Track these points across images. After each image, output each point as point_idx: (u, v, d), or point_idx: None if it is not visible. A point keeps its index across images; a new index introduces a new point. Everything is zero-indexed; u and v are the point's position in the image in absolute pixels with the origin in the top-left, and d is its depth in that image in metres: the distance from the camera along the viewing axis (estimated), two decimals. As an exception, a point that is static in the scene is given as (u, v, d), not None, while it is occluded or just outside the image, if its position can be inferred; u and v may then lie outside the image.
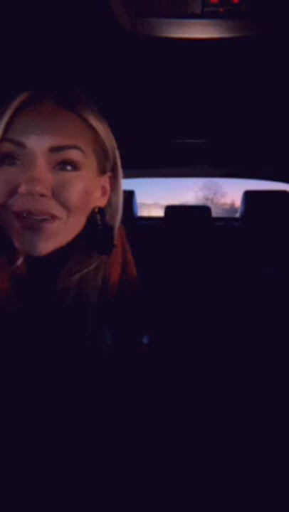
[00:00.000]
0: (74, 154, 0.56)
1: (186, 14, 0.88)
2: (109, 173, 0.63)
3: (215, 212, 2.45)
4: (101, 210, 0.62)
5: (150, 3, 0.86)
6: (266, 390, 1.67)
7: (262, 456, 1.40)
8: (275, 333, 1.87)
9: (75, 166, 0.56)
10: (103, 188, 0.63)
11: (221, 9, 0.85)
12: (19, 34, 0.96)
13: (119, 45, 1.02)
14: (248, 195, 2.32)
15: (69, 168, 0.56)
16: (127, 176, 0.69)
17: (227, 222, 2.60)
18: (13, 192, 0.54)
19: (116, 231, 0.63)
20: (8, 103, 0.55)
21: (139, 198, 2.54)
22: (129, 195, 2.33)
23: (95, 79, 1.16)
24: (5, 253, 0.58)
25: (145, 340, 0.62)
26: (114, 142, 0.62)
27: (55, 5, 0.86)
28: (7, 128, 0.54)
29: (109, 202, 0.64)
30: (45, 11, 0.87)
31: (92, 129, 0.59)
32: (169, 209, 2.37)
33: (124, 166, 0.66)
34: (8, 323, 0.57)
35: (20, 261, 0.58)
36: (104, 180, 0.63)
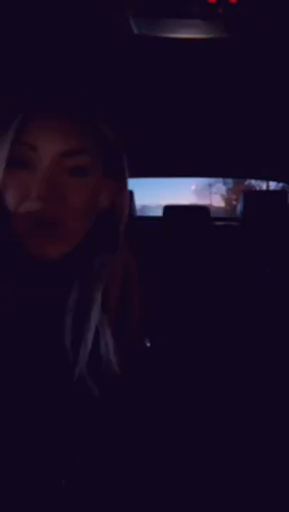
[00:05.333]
0: (84, 159, 0.56)
1: (184, 14, 0.88)
2: (115, 175, 0.63)
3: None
4: (106, 212, 0.62)
5: (150, 4, 0.86)
6: (266, 389, 1.67)
7: (262, 455, 1.40)
8: (275, 333, 1.87)
9: (84, 171, 0.56)
10: (109, 189, 0.63)
11: (220, 10, 0.85)
12: (20, 36, 0.96)
13: (119, 46, 1.02)
14: (247, 195, 2.32)
15: (79, 173, 0.56)
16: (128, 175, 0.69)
17: (226, 221, 2.60)
18: (23, 196, 0.54)
19: (122, 231, 0.64)
20: (20, 108, 0.55)
21: (141, 199, 2.54)
22: (128, 196, 2.33)
23: (94, 79, 1.16)
24: (13, 257, 0.58)
25: (146, 342, 0.62)
26: (121, 144, 0.63)
27: (56, 6, 0.86)
28: (19, 132, 0.54)
29: (114, 203, 0.64)
30: (45, 12, 0.87)
31: (101, 132, 0.59)
32: (168, 209, 2.37)
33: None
34: (11, 326, 0.57)
35: (26, 264, 0.59)
36: (111, 183, 0.63)
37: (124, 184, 0.64)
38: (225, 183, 12.08)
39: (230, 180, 11.58)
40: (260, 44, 1.01)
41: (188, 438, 1.46)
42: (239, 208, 2.41)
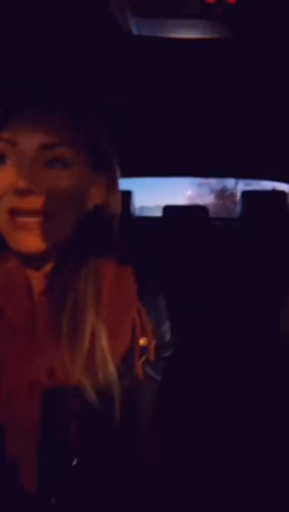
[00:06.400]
0: (65, 152, 0.56)
1: (183, 14, 0.88)
2: (105, 171, 0.63)
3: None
4: (98, 208, 0.62)
5: (148, 4, 0.86)
6: (265, 389, 1.67)
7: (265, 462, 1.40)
8: (275, 332, 1.87)
9: (65, 163, 0.56)
10: (99, 186, 0.62)
11: (218, 10, 0.85)
12: (18, 35, 0.96)
13: (117, 45, 1.02)
14: (246, 195, 2.32)
15: (60, 165, 0.56)
16: (127, 175, 0.69)
17: (225, 222, 2.60)
18: (4, 191, 0.54)
19: (114, 229, 0.63)
20: (1, 103, 0.55)
21: (141, 201, 2.55)
22: (127, 195, 2.33)
23: (93, 78, 1.16)
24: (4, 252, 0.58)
25: (144, 341, 0.62)
26: (109, 140, 0.62)
27: (55, 6, 0.85)
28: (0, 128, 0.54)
29: (106, 200, 0.64)
30: (44, 12, 0.87)
31: (87, 128, 0.59)
32: (167, 209, 2.37)
33: (124, 166, 0.66)
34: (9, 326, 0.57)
35: (14, 260, 0.58)
36: (101, 179, 0.62)
37: (115, 181, 0.64)
38: (211, 193, 16.08)
39: (217, 192, 15.77)
40: (260, 44, 1.01)
41: (189, 440, 1.46)
42: (238, 207, 2.40)
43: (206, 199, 15.63)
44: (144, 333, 0.62)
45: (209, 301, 2.02)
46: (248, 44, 1.00)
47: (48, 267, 0.60)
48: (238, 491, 1.32)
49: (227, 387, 1.69)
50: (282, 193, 2.29)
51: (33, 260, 0.59)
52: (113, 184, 0.64)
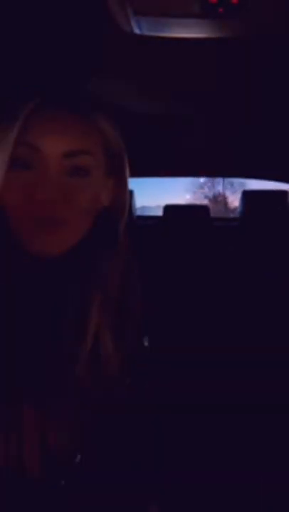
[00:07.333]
0: (86, 159, 0.57)
1: (184, 14, 0.88)
2: (116, 174, 0.64)
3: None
4: (107, 209, 0.63)
5: (148, 3, 0.86)
6: (265, 388, 1.67)
7: (262, 459, 1.40)
8: (274, 333, 1.87)
9: (86, 171, 0.57)
10: (110, 188, 0.64)
11: (220, 9, 0.85)
12: (19, 35, 0.96)
13: (117, 45, 1.02)
14: (247, 195, 2.32)
15: (80, 173, 0.57)
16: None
17: (225, 221, 2.60)
18: (26, 196, 0.55)
19: (120, 230, 0.64)
20: (21, 107, 0.55)
21: (142, 201, 2.56)
22: (128, 195, 2.33)
23: (94, 78, 1.16)
24: (11, 256, 0.58)
25: (145, 341, 0.62)
26: (122, 144, 0.63)
27: (53, 5, 0.85)
28: (21, 133, 0.54)
29: (115, 201, 0.65)
30: (42, 12, 0.87)
31: (103, 132, 0.60)
32: (168, 208, 2.37)
33: None
34: (10, 324, 0.57)
35: (23, 263, 0.59)
36: (112, 181, 0.63)
37: (125, 183, 0.65)
38: (205, 198, 17.38)
39: (210, 198, 17.36)
40: (261, 44, 1.01)
41: (188, 440, 1.46)
42: (238, 208, 2.41)
43: (202, 203, 16.82)
44: (148, 334, 0.62)
45: (209, 299, 2.02)
46: (250, 43, 1.00)
47: (57, 266, 0.60)
48: (238, 492, 1.32)
49: (227, 386, 1.69)
50: (283, 193, 2.29)
51: (46, 262, 0.59)
52: (123, 186, 0.65)
